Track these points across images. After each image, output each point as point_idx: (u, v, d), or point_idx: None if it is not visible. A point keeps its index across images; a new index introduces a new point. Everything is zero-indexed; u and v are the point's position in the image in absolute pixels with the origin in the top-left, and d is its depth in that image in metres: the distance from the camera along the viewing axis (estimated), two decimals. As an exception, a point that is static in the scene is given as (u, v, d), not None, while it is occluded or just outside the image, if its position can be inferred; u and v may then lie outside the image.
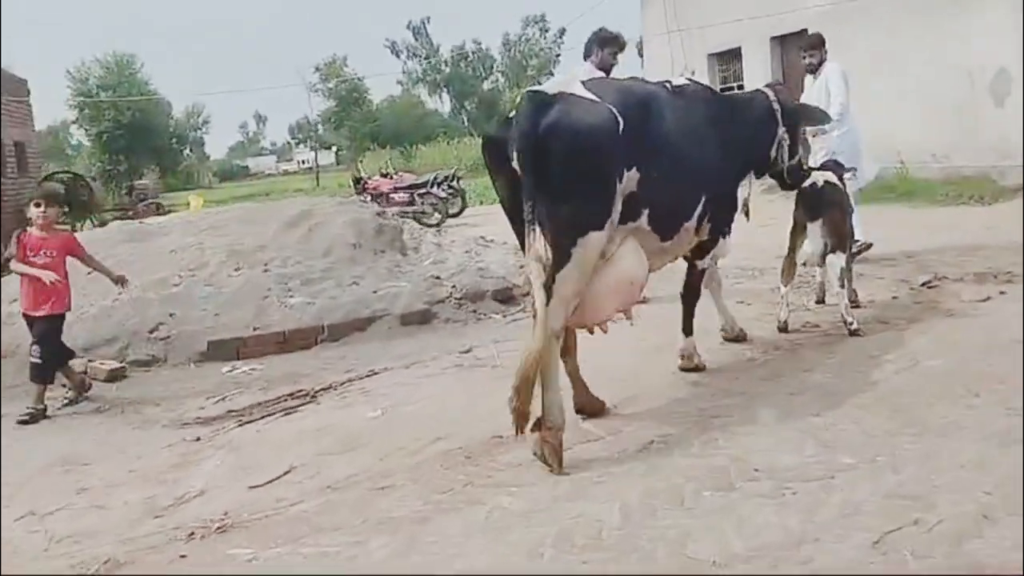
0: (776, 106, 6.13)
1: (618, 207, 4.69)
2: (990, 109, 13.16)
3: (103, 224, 16.07)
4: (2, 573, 3.81)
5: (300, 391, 6.25)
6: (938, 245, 9.38)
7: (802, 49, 9.31)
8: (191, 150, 75.05)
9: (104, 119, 52.47)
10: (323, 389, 6.28)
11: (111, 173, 51.19)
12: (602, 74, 7.15)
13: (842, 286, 6.27)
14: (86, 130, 55.43)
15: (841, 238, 6.30)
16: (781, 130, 6.13)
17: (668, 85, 5.53)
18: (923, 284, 7.58)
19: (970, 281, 7.52)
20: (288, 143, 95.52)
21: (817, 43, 9.20)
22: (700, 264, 5.82)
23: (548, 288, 4.48)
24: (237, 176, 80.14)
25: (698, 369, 5.76)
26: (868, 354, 5.70)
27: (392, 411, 5.57)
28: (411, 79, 69.99)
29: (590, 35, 7.92)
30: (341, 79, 64.25)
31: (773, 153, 6.16)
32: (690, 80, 5.83)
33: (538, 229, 4.46)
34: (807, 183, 6.39)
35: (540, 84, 5.49)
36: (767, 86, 6.54)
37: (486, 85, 70.09)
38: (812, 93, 9.06)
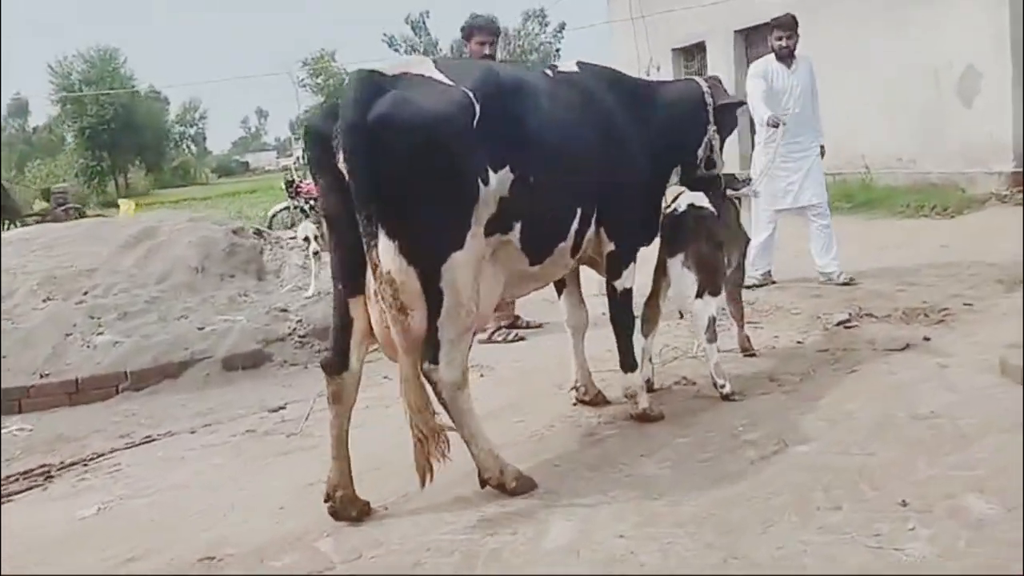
0: (708, 100, 5.06)
1: (484, 215, 3.68)
2: (958, 110, 11.86)
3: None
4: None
5: (42, 467, 5.05)
6: (882, 267, 8.22)
7: (774, 30, 7.88)
8: (190, 145, 74.31)
9: (87, 114, 51.24)
10: (70, 464, 5.08)
11: (94, 170, 50.23)
12: None
13: (711, 340, 5.02)
14: (67, 125, 54.29)
15: (710, 277, 5.03)
16: (711, 129, 5.10)
17: (550, 71, 4.53)
18: (839, 323, 6.34)
19: (896, 320, 6.28)
20: (289, 138, 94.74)
21: (792, 23, 7.82)
22: (620, 284, 4.70)
23: (430, 339, 3.62)
24: (237, 172, 79.12)
25: (652, 419, 4.68)
26: (731, 430, 4.46)
27: (113, 508, 4.36)
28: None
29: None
30: (330, 74, 63.01)
31: (700, 153, 5.08)
32: (585, 65, 4.71)
33: (387, 243, 3.48)
34: (667, 208, 5.15)
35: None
36: (703, 78, 5.38)
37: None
38: (787, 87, 7.81)
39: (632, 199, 4.64)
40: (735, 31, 17.06)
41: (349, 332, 3.75)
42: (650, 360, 5.24)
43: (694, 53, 19.23)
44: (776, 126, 7.33)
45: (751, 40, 16.87)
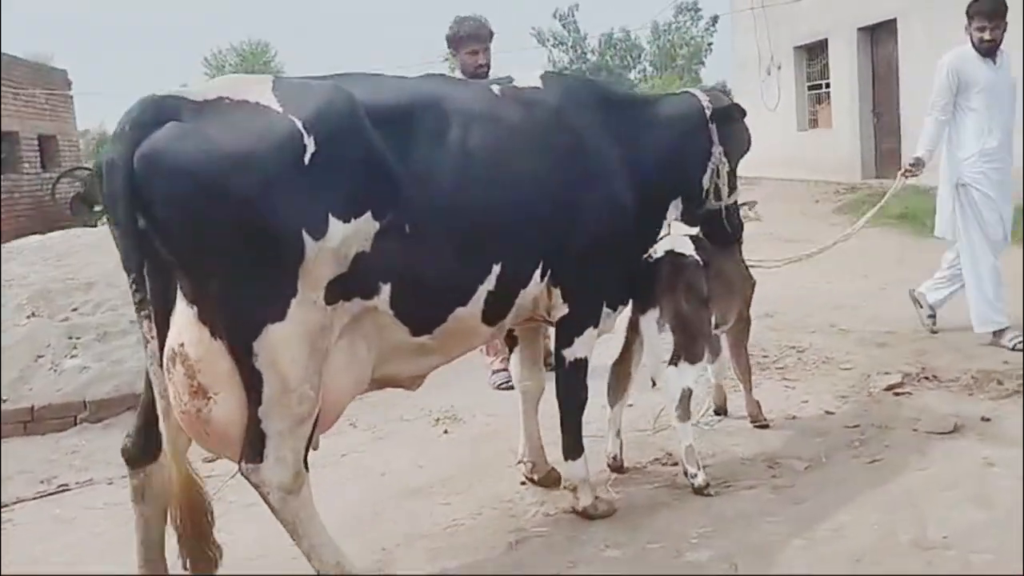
0: (708, 115, 4.18)
1: (322, 277, 2.88)
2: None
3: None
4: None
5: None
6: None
7: (973, 18, 5.94)
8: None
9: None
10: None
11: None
12: None
13: (682, 418, 4.07)
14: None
15: (688, 340, 4.08)
16: (717, 151, 4.20)
17: (497, 88, 3.68)
18: (888, 388, 5.24)
19: (959, 388, 5.14)
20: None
21: (999, 9, 5.92)
22: (571, 353, 3.81)
23: (251, 432, 2.92)
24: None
25: (596, 516, 3.83)
26: (679, 543, 3.52)
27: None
28: (556, 68, 68.54)
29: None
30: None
31: (705, 182, 4.20)
32: (551, 77, 3.87)
33: (184, 307, 2.85)
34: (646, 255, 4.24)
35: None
36: (702, 89, 4.46)
37: (633, 75, 67.79)
38: (987, 84, 5.98)
39: (601, 250, 3.73)
40: (858, 29, 15.58)
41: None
42: (617, 434, 4.34)
43: (816, 52, 17.81)
44: (914, 167, 6.12)
45: (877, 38, 15.40)
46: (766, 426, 4.77)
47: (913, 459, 4.18)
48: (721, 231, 4.39)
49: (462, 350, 3.64)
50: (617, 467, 4.30)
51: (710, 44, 65.76)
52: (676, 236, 4.28)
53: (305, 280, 2.87)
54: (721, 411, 4.99)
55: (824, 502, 3.80)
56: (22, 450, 5.57)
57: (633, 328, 4.25)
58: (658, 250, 4.16)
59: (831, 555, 3.35)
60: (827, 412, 4.96)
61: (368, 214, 2.99)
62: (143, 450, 3.07)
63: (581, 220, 3.62)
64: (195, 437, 2.98)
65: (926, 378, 5.34)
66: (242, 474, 2.97)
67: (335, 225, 2.90)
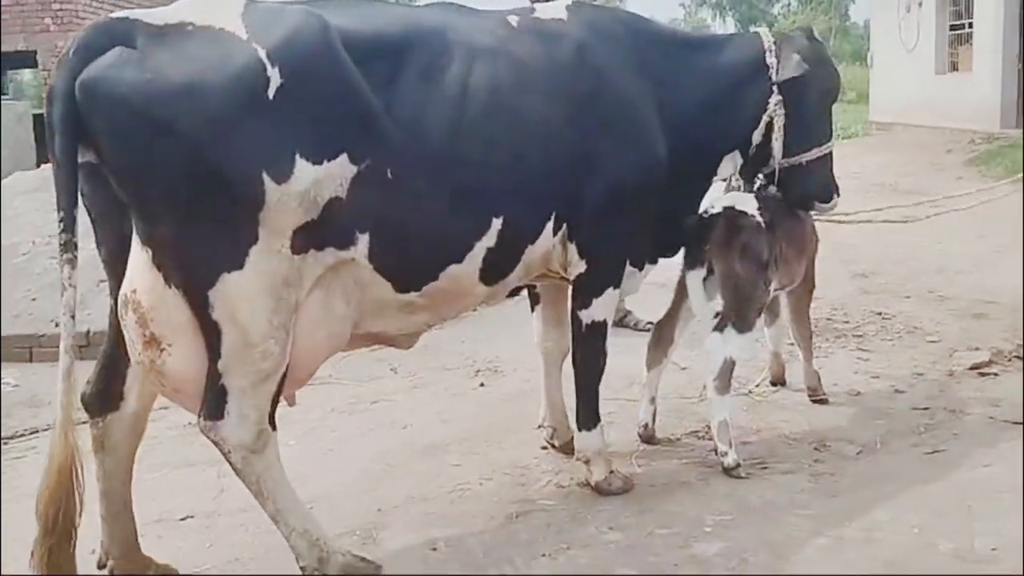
0: (771, 61, 3.69)
1: (287, 223, 2.64)
2: None
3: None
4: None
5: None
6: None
7: None
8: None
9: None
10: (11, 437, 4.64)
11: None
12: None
13: (720, 390, 3.67)
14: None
15: (739, 305, 3.68)
16: (774, 101, 3.70)
17: (515, 19, 3.35)
18: (973, 367, 4.71)
19: (1055, 371, 4.58)
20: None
21: None
22: (588, 315, 3.49)
23: (211, 387, 2.70)
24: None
25: (610, 492, 3.51)
26: (691, 530, 3.18)
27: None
28: (695, 1, 66.31)
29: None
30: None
31: (757, 137, 3.76)
32: (580, 7, 3.47)
33: (139, 251, 2.63)
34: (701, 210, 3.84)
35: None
36: (769, 32, 3.92)
37: (776, 9, 65.10)
38: None
39: (626, 203, 3.37)
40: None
41: (123, 359, 2.88)
42: (651, 401, 4.01)
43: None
44: None
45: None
46: (825, 401, 4.35)
47: (979, 453, 3.71)
48: (799, 190, 3.92)
49: (458, 310, 3.37)
50: (648, 437, 3.98)
51: (858, -22, 62.68)
52: (739, 193, 3.86)
53: (267, 226, 2.62)
54: (778, 382, 4.58)
55: (864, 497, 3.39)
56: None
57: (682, 288, 3.89)
58: (716, 205, 3.76)
59: (856, 560, 2.97)
60: (897, 391, 4.49)
61: (343, 157, 2.71)
62: (102, 399, 2.91)
63: (602, 170, 3.27)
64: (154, 388, 2.80)
65: (1018, 357, 4.78)
66: (201, 430, 2.78)
67: (303, 167, 2.63)
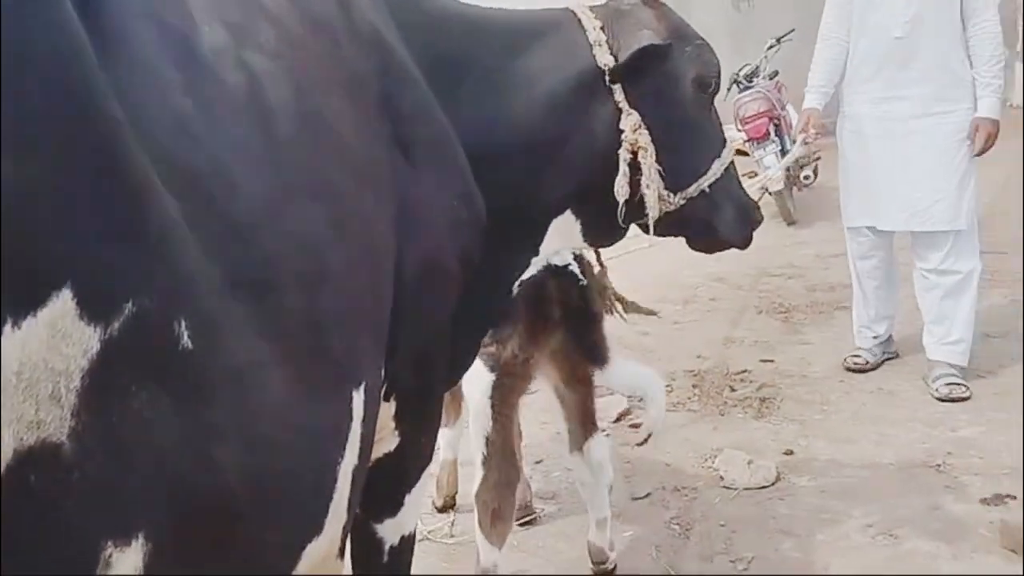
0: (600, 53, 1.97)
1: None
2: None
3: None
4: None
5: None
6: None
7: None
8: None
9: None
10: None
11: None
12: None
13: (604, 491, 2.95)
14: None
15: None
16: (632, 120, 1.96)
17: None
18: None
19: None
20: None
21: None
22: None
23: None
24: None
25: None
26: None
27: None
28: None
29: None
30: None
31: (596, 178, 2.02)
32: None
33: None
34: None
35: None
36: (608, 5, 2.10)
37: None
38: None
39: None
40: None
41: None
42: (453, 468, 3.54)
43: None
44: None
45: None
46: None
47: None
48: (703, 234, 2.26)
49: None
50: (443, 507, 3.54)
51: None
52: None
53: None
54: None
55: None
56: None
57: None
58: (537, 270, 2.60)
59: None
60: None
61: None
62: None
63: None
64: None
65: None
66: None
67: None
